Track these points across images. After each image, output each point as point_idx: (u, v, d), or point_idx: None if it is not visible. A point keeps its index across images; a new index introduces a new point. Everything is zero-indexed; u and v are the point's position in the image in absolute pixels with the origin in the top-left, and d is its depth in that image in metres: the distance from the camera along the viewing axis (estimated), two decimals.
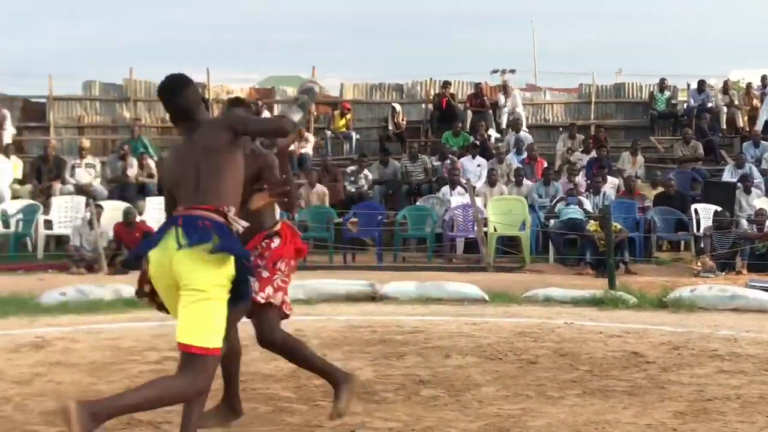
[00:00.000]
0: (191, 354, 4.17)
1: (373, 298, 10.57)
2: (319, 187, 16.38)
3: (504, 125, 20.30)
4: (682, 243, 15.82)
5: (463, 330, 8.42)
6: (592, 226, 14.06)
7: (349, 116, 20.64)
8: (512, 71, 38.62)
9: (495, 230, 14.77)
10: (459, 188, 15.91)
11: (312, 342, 7.78)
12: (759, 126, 19.33)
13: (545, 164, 17.76)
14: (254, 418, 5.37)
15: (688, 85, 21.99)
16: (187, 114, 4.49)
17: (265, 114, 20.11)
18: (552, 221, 15.16)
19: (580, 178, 16.87)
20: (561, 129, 20.94)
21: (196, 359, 4.18)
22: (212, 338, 4.20)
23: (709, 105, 20.39)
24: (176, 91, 4.49)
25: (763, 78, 21.16)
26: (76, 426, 3.87)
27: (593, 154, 18.16)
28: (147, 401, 4.19)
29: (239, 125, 4.48)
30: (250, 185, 4.87)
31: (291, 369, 6.68)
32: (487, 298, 10.47)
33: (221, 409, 5.25)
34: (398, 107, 20.49)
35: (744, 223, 14.68)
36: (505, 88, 21.07)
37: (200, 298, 4.18)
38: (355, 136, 20.55)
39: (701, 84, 20.92)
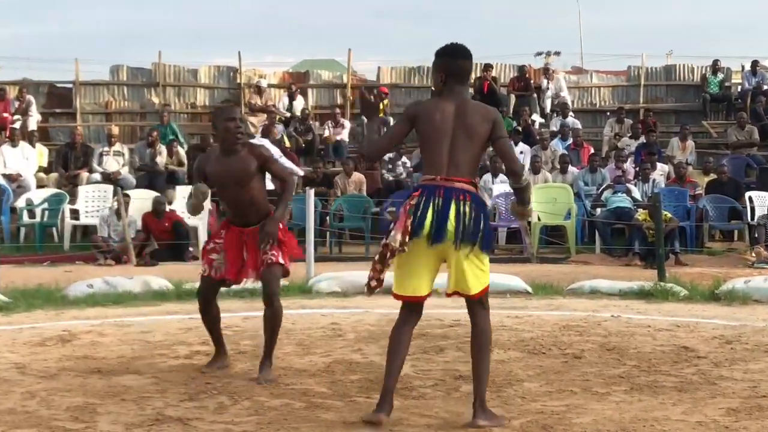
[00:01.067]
0: (481, 297, 5.20)
1: None
2: (356, 175, 16.42)
3: (548, 110, 20.23)
4: (736, 232, 15.70)
5: (505, 323, 8.40)
6: (640, 215, 13.99)
7: (386, 101, 20.62)
8: (557, 53, 38.42)
9: (539, 219, 14.72)
10: (501, 176, 15.86)
11: (348, 336, 7.84)
12: None
13: (592, 150, 17.71)
14: (287, 413, 5.40)
15: (743, 67, 21.80)
16: (464, 80, 5.34)
17: (299, 99, 20.20)
18: (599, 210, 15.09)
19: (628, 165, 16.79)
20: (608, 113, 20.84)
21: (485, 298, 5.24)
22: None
23: (765, 87, 20.18)
24: (469, 56, 5.28)
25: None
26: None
27: (642, 139, 18.07)
28: (489, 360, 5.29)
29: (499, 129, 5.22)
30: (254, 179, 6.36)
31: (325, 364, 6.72)
32: (530, 290, 10.45)
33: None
34: None
35: None
36: (546, 71, 20.98)
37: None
38: (393, 122, 20.53)
39: (755, 65, 20.72)
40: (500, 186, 15.63)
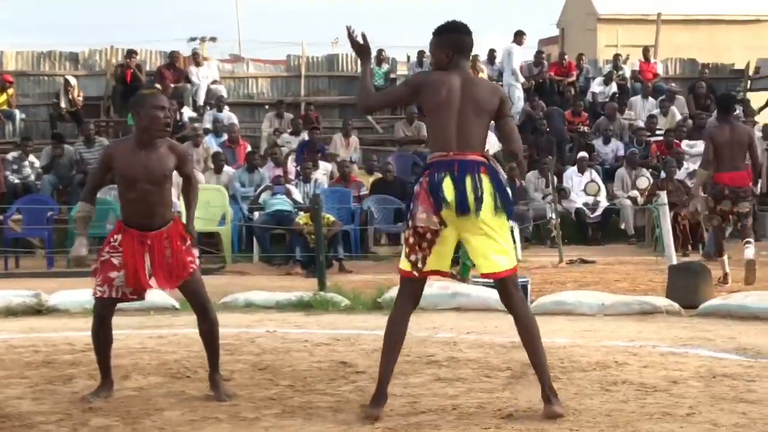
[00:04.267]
0: (512, 277, 5.69)
1: (38, 310, 10.22)
2: None
3: (201, 102, 20.22)
4: (403, 235, 16.31)
5: (147, 345, 8.30)
6: (302, 218, 14.27)
7: (11, 91, 19.86)
8: (213, 39, 38.52)
9: None
10: None
11: None
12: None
13: (249, 148, 17.85)
14: None
15: (408, 57, 22.79)
16: (469, 56, 5.92)
17: None
18: (257, 214, 15.26)
19: (289, 164, 17.08)
20: (267, 107, 21.11)
21: (515, 278, 5.74)
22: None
23: None
24: (471, 32, 5.82)
25: (491, 52, 22.26)
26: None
27: (304, 136, 18.42)
28: (542, 345, 5.76)
29: (505, 107, 5.79)
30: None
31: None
32: (177, 305, 10.36)
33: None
34: (73, 80, 19.98)
35: None
36: (195, 58, 20.96)
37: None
38: (19, 115, 19.82)
39: (421, 55, 21.69)
40: None
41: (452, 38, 5.77)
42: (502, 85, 20.49)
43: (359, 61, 5.95)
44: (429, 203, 5.57)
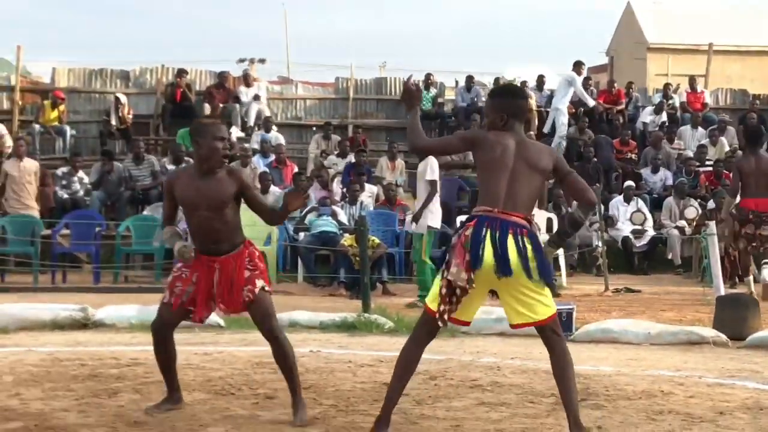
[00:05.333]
0: (553, 322, 5.70)
1: (85, 324, 10.31)
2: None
3: (251, 123, 20.35)
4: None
5: (192, 361, 8.34)
6: (347, 240, 14.30)
7: (62, 107, 20.10)
8: (262, 61, 38.75)
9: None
10: None
11: (5, 379, 7.52)
12: (547, 128, 20.29)
13: (296, 169, 17.93)
14: None
15: (456, 82, 22.83)
16: (523, 119, 5.89)
17: None
18: (302, 234, 15.31)
19: (335, 186, 17.14)
20: (314, 128, 21.21)
21: (556, 324, 5.75)
22: None
23: (480, 105, 21.17)
24: (527, 96, 5.92)
25: (540, 78, 22.22)
26: None
27: (350, 158, 18.48)
28: (575, 383, 5.74)
29: (563, 165, 5.84)
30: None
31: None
32: (222, 323, 10.43)
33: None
34: (123, 98, 20.18)
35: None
36: (246, 79, 21.10)
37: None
38: (69, 131, 20.04)
39: (470, 81, 21.72)
40: None
41: (507, 102, 5.82)
42: (548, 112, 20.54)
43: (405, 107, 5.91)
44: (463, 259, 5.55)
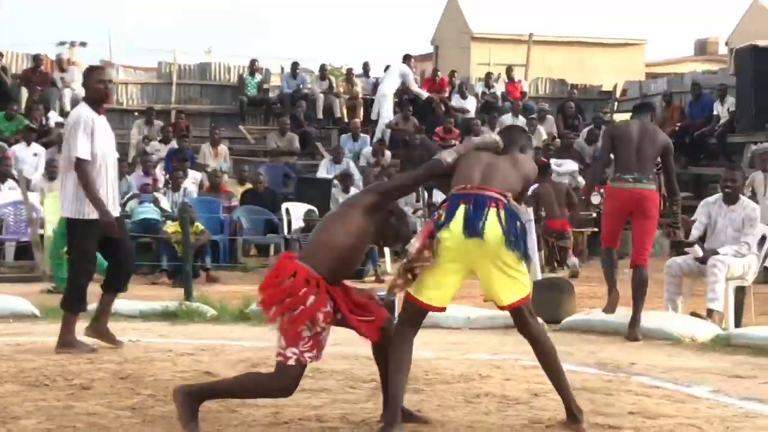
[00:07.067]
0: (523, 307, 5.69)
1: None
2: None
3: (68, 107, 19.85)
4: (272, 247, 16.30)
5: (4, 352, 8.14)
6: (170, 227, 14.13)
7: None
8: (83, 44, 37.86)
9: (54, 233, 14.39)
10: (10, 181, 15.35)
11: None
12: (373, 115, 20.38)
13: (117, 155, 17.59)
14: None
15: (282, 69, 22.77)
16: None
17: None
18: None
19: (158, 172, 16.91)
20: (136, 114, 20.87)
21: (528, 306, 5.73)
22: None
23: (305, 91, 21.19)
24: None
25: (365, 65, 22.38)
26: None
27: (173, 144, 18.27)
28: (561, 366, 5.92)
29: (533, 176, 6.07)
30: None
31: None
32: (38, 313, 10.18)
33: None
34: None
35: None
36: (59, 63, 20.65)
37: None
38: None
39: (295, 67, 21.69)
40: (8, 193, 15.09)
41: (505, 134, 6.13)
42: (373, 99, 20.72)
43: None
44: (427, 235, 5.53)
